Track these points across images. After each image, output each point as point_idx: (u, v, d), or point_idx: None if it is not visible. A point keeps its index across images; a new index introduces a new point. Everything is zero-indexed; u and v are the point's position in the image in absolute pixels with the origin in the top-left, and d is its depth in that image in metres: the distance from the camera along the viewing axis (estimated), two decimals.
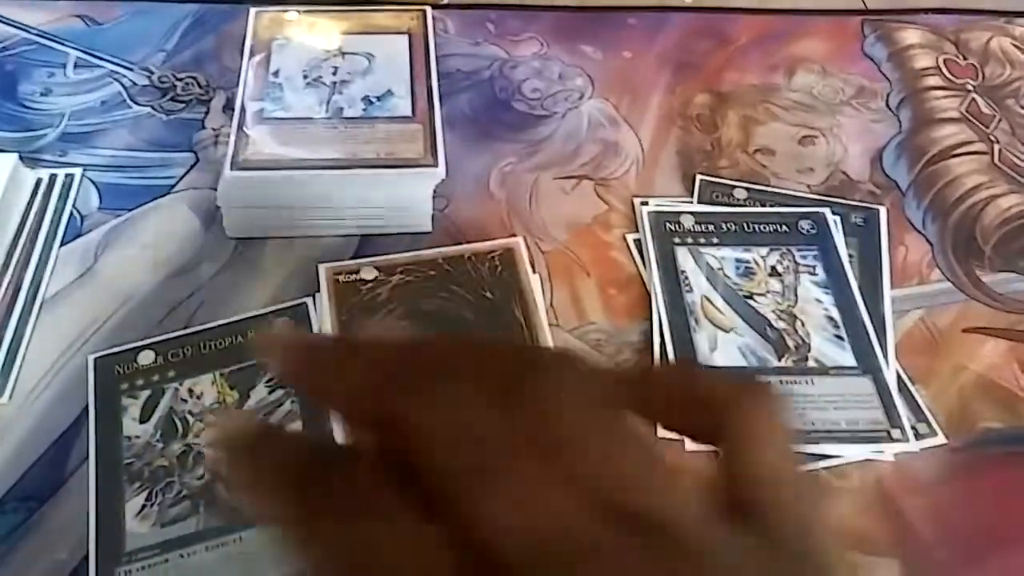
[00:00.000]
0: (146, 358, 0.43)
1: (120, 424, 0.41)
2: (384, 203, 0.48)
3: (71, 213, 0.50)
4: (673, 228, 0.50)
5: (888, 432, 0.42)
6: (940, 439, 0.42)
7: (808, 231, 0.49)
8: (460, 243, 0.49)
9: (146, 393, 0.41)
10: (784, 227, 0.50)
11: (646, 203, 0.52)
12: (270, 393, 0.42)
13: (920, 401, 0.44)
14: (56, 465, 0.40)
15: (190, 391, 0.41)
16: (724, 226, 0.50)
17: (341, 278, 0.44)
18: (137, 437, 0.40)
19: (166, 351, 0.43)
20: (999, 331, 0.47)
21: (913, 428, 0.43)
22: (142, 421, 0.40)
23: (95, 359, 0.43)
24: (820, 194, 0.53)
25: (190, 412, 0.41)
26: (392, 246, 0.48)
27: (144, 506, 0.38)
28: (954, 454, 0.42)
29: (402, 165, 0.47)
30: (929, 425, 0.43)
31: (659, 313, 0.46)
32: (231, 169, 0.46)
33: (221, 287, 0.47)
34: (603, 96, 0.59)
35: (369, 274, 0.44)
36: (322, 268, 0.45)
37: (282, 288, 0.47)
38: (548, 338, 0.43)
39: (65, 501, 0.39)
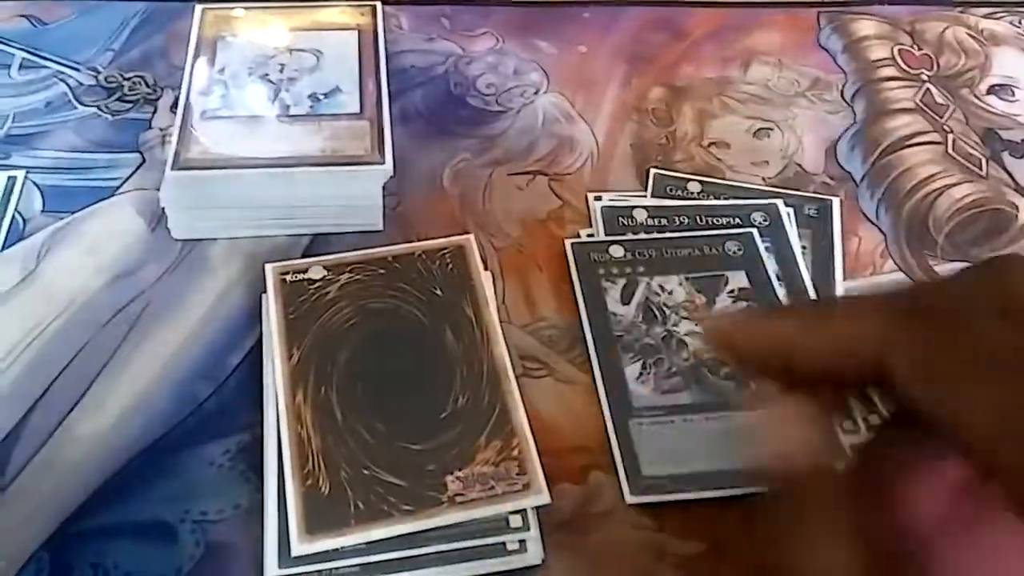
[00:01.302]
0: (616, 251, 0.47)
1: (605, 303, 0.45)
2: (332, 201, 0.47)
3: (13, 217, 0.49)
4: (625, 223, 0.49)
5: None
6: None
7: (761, 223, 0.49)
8: (412, 241, 0.48)
9: (622, 281, 0.46)
10: (737, 219, 0.50)
11: (599, 198, 0.51)
12: (733, 303, 0.45)
13: (873, 392, 0.44)
14: None
15: (661, 287, 0.46)
16: (677, 220, 0.50)
17: (288, 277, 0.44)
18: (623, 316, 0.45)
19: (633, 249, 0.47)
20: None
21: (865, 420, 0.42)
22: (623, 303, 0.45)
23: (572, 244, 0.48)
24: (775, 186, 0.53)
25: (665, 304, 0.45)
26: (343, 245, 0.48)
27: (641, 373, 0.43)
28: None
29: (349, 163, 0.47)
30: (881, 416, 0.43)
31: (585, 311, 0.45)
32: (173, 168, 0.45)
33: (168, 289, 0.46)
34: (558, 91, 0.58)
35: (317, 273, 0.44)
36: (269, 268, 0.44)
37: (231, 289, 0.46)
38: (499, 334, 0.42)
39: (4, 510, 0.38)
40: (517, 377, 0.43)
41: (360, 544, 0.36)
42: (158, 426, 0.41)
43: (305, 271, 0.44)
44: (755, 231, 0.49)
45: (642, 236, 0.48)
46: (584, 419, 0.42)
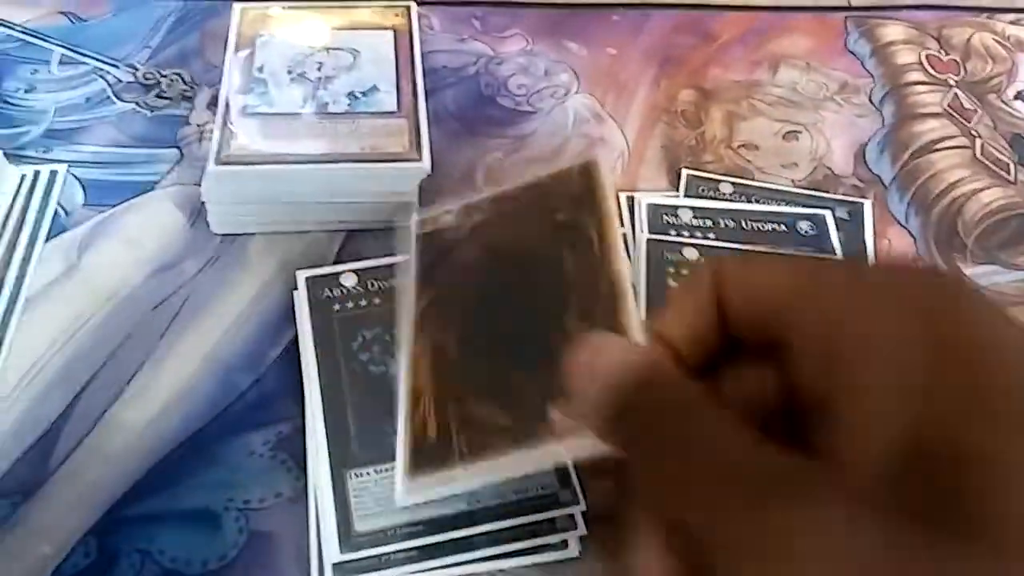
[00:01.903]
0: (691, 253, 0.48)
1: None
2: (370, 198, 0.48)
3: (55, 209, 0.50)
4: (670, 221, 0.50)
5: None
6: None
7: (807, 232, 0.50)
8: None
9: None
10: (783, 227, 0.50)
11: (632, 197, 0.52)
12: None
13: None
14: (40, 461, 0.40)
15: None
16: (722, 222, 0.50)
17: (426, 227, 0.42)
18: None
19: (707, 255, 0.48)
20: None
21: None
22: None
23: (648, 240, 0.48)
24: (804, 188, 0.53)
25: None
26: (378, 242, 0.49)
27: None
28: None
29: (387, 160, 0.47)
30: None
31: (644, 306, 0.46)
32: (215, 164, 0.46)
33: (207, 282, 0.47)
34: (588, 92, 0.59)
35: (451, 217, 0.42)
36: (413, 217, 0.43)
37: (269, 283, 0.47)
38: (620, 252, 0.37)
39: (50, 496, 0.39)
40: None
41: (416, 525, 0.37)
42: (200, 416, 0.42)
43: (441, 216, 0.42)
44: (828, 213, 0.51)
45: (718, 243, 0.49)
46: None
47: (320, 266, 0.46)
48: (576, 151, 0.55)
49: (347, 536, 0.37)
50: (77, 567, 0.37)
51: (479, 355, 0.36)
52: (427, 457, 0.34)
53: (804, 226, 0.50)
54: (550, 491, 0.39)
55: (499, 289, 0.38)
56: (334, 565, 0.36)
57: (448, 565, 0.37)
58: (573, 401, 0.24)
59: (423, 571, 0.37)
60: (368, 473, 0.39)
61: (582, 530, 0.38)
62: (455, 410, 0.35)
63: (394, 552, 0.37)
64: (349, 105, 0.50)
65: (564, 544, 0.38)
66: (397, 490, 0.34)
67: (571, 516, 0.38)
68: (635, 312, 0.35)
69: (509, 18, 0.64)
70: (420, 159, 0.47)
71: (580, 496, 0.38)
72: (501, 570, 0.37)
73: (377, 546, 0.37)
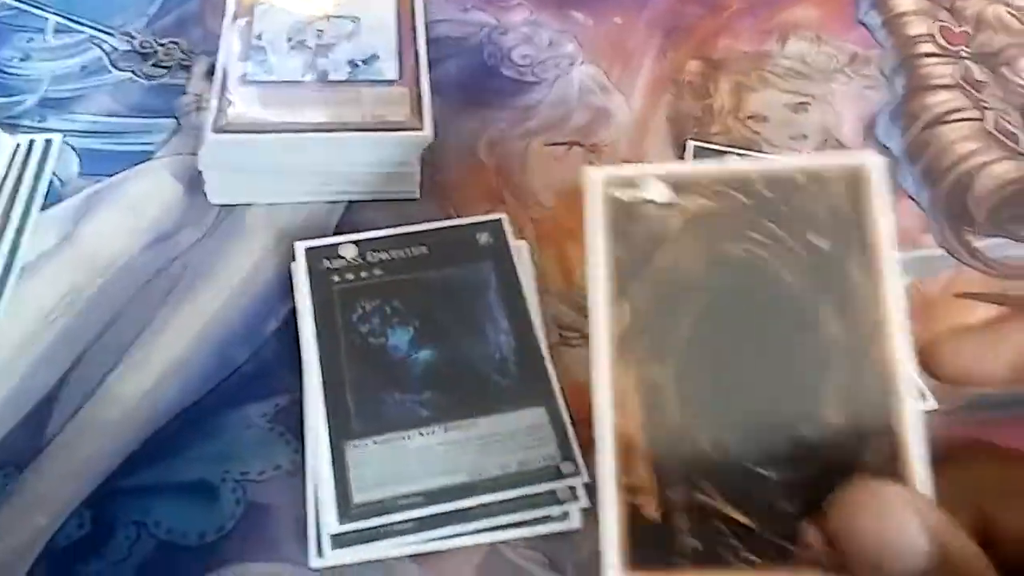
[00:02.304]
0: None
1: None
2: (370, 168, 0.47)
3: (50, 179, 0.49)
4: None
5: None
6: (932, 404, 0.42)
7: None
8: (449, 213, 0.48)
9: None
10: None
11: None
12: None
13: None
14: (35, 432, 0.40)
15: None
16: None
17: (617, 192, 0.29)
18: None
19: None
20: (991, 296, 0.47)
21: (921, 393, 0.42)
22: None
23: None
24: None
25: None
26: (379, 214, 0.48)
27: None
28: (946, 418, 0.42)
29: (388, 128, 0.46)
30: (921, 391, 0.43)
31: None
32: (213, 132, 0.45)
33: (204, 253, 0.47)
34: (593, 62, 0.58)
35: (659, 193, 0.29)
36: (595, 176, 0.29)
37: (267, 255, 0.46)
38: (900, 313, 0.27)
39: (44, 467, 0.39)
40: (551, 346, 0.43)
41: (416, 496, 0.37)
42: (197, 388, 0.41)
43: (638, 185, 0.29)
44: None
45: None
46: None
47: (319, 237, 0.45)
48: (582, 122, 0.54)
49: (346, 507, 0.36)
50: (71, 538, 0.37)
51: (711, 425, 0.27)
52: (648, 548, 0.27)
53: None
54: (552, 462, 0.38)
55: (732, 330, 0.28)
56: (332, 536, 0.36)
57: (447, 536, 0.36)
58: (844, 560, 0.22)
59: (422, 542, 0.36)
60: (367, 444, 0.38)
61: (584, 502, 0.37)
62: (684, 494, 0.27)
63: (393, 523, 0.36)
64: (350, 73, 0.49)
65: (565, 516, 0.37)
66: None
67: (572, 488, 0.37)
68: (910, 413, 0.25)
69: None
70: (422, 128, 0.47)
71: (582, 467, 0.38)
72: (501, 541, 0.37)
73: (376, 516, 0.36)
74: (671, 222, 0.28)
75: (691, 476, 0.27)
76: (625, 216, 0.28)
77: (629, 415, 0.27)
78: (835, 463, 0.25)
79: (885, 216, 0.28)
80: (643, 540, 0.26)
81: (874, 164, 0.28)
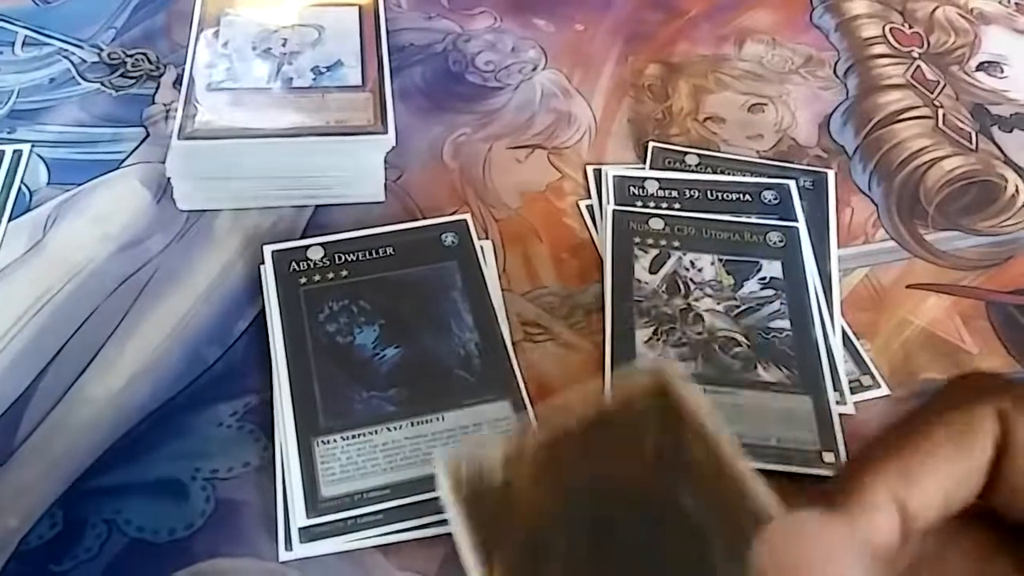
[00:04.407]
0: (656, 223, 0.48)
1: (633, 268, 0.47)
2: (336, 171, 0.48)
3: (19, 189, 0.50)
4: (636, 192, 0.50)
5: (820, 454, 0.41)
6: (884, 391, 0.43)
7: (771, 201, 0.50)
8: (415, 215, 0.49)
9: (655, 252, 0.47)
10: (747, 196, 0.50)
11: (599, 170, 0.52)
12: (762, 289, 0.46)
13: (864, 355, 0.45)
14: (6, 434, 0.40)
15: (692, 263, 0.47)
16: (688, 192, 0.50)
17: (464, 481, 0.29)
18: (647, 284, 0.46)
19: (674, 224, 0.48)
20: (942, 287, 0.48)
21: (857, 381, 0.44)
22: (651, 272, 0.46)
23: (614, 211, 0.49)
24: (769, 159, 0.54)
25: (692, 279, 0.46)
26: (346, 217, 0.49)
27: (651, 338, 0.44)
28: (897, 405, 0.43)
29: (352, 132, 0.47)
30: (873, 378, 0.44)
31: (610, 275, 0.46)
32: (179, 138, 0.46)
33: (174, 258, 0.47)
34: (556, 67, 0.59)
35: (496, 472, 0.29)
36: (439, 464, 0.30)
37: (236, 258, 0.47)
38: (751, 476, 0.27)
39: (16, 469, 0.39)
40: (516, 343, 0.44)
41: (383, 490, 0.37)
42: (167, 388, 0.42)
43: (481, 472, 0.30)
44: (792, 183, 0.51)
45: (684, 213, 0.49)
46: (584, 380, 0.43)
47: (287, 240, 0.46)
48: (544, 125, 0.55)
49: (314, 501, 0.37)
50: (43, 538, 0.37)
51: None
52: None
53: (768, 196, 0.50)
54: None
55: (608, 549, 0.29)
56: (301, 529, 0.37)
57: (414, 527, 0.37)
58: None
59: (389, 533, 0.37)
60: (335, 440, 0.39)
61: None
62: None
63: (360, 515, 0.37)
64: (314, 80, 0.50)
65: None
66: None
67: None
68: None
69: None
70: (386, 132, 0.48)
71: None
72: None
73: (344, 510, 0.37)
74: (518, 487, 0.29)
75: None
76: (476, 499, 0.29)
77: None
78: None
79: (695, 396, 0.29)
80: None
81: (669, 372, 0.30)
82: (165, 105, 0.54)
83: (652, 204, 0.50)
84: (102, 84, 0.56)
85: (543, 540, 0.28)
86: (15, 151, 0.51)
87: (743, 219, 0.49)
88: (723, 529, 0.27)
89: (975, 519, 0.24)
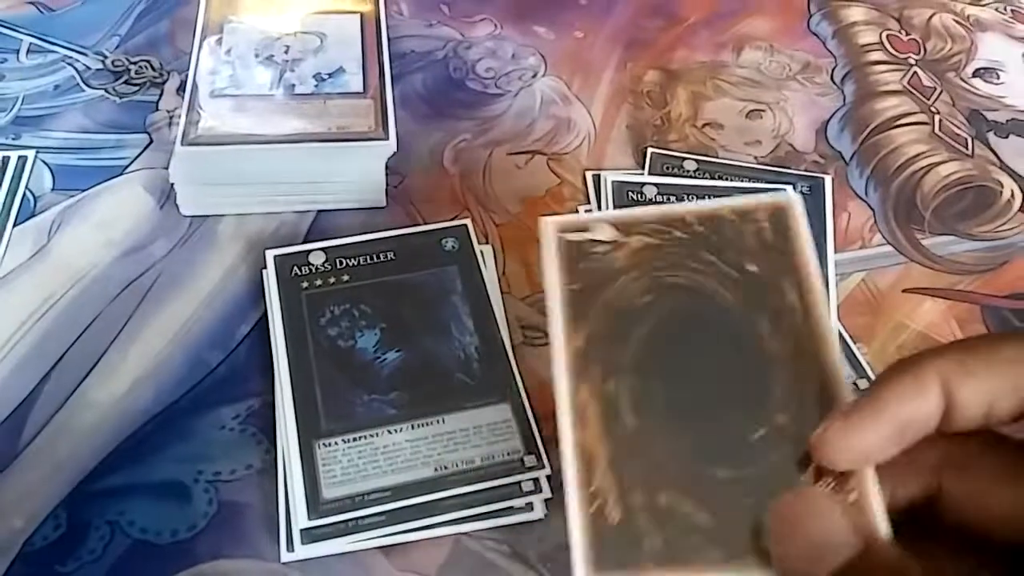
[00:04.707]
0: None
1: None
2: (337, 177, 0.49)
3: (24, 194, 0.50)
4: (635, 198, 0.51)
5: None
6: None
7: None
8: (416, 219, 0.50)
9: None
10: None
11: (598, 176, 0.53)
12: None
13: (861, 358, 0.45)
14: (11, 438, 0.41)
15: None
16: (686, 198, 0.51)
17: (569, 236, 0.32)
18: None
19: None
20: (938, 291, 0.49)
21: (853, 384, 0.44)
22: None
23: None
24: (767, 165, 0.54)
25: None
26: (348, 222, 0.49)
27: None
28: None
29: (353, 139, 0.48)
30: (869, 381, 0.44)
31: None
32: (183, 144, 0.47)
33: (177, 263, 0.48)
34: (555, 74, 0.60)
35: (604, 233, 0.33)
36: (548, 223, 0.33)
37: (238, 263, 0.48)
38: (830, 329, 0.30)
39: (21, 472, 0.40)
40: (515, 346, 0.44)
41: (384, 491, 0.38)
42: (170, 392, 0.43)
43: (588, 228, 0.33)
44: (790, 188, 0.50)
45: None
46: None
47: (289, 245, 0.46)
48: (543, 132, 0.56)
49: (315, 503, 0.37)
50: (47, 539, 0.38)
51: (665, 432, 0.29)
52: (612, 549, 0.28)
53: None
54: (516, 456, 0.39)
55: (679, 347, 0.31)
56: (302, 531, 0.37)
57: (415, 528, 0.38)
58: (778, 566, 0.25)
59: (390, 534, 0.37)
60: (336, 443, 0.39)
61: (547, 493, 0.39)
62: (644, 497, 0.29)
63: (362, 517, 0.37)
64: (316, 87, 0.51)
65: (529, 507, 0.39)
66: None
67: (536, 480, 0.39)
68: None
69: (477, 3, 0.64)
70: (387, 138, 0.48)
71: (545, 460, 0.39)
72: (467, 532, 0.38)
73: (345, 512, 0.37)
74: (617, 258, 0.32)
75: (650, 480, 0.29)
76: (576, 255, 0.32)
77: (589, 428, 0.29)
78: (785, 460, 0.28)
79: (808, 243, 0.31)
80: (608, 543, 0.28)
81: (794, 201, 0.33)
82: (168, 112, 0.55)
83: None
84: (106, 91, 0.56)
85: (628, 319, 0.31)
86: (20, 157, 0.52)
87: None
88: (787, 371, 0.29)
89: (1006, 442, 0.25)
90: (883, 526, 0.25)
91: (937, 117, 0.58)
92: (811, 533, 0.24)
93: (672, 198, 0.51)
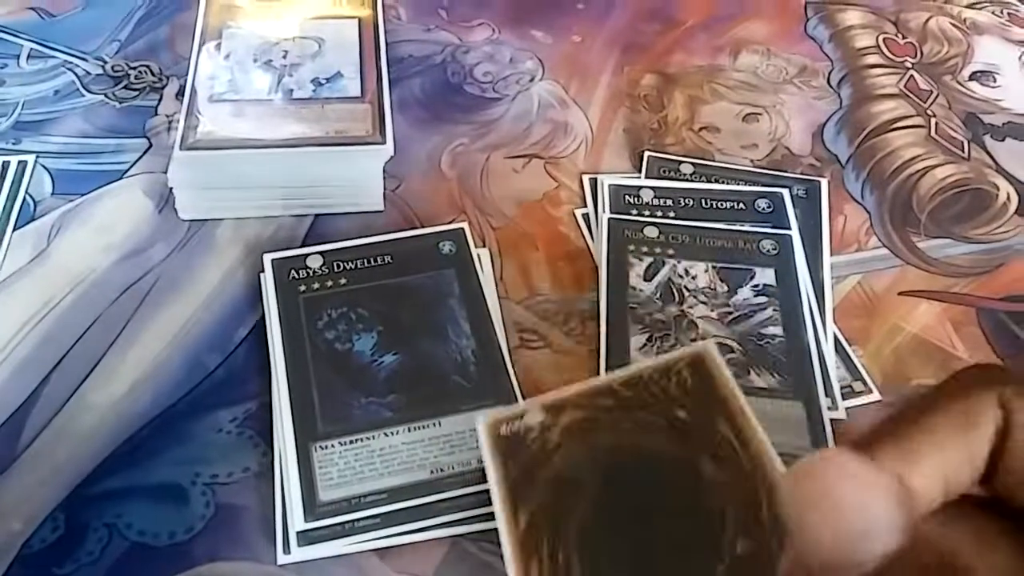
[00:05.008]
0: (651, 231, 0.49)
1: (628, 276, 0.47)
2: (335, 181, 0.49)
3: (24, 199, 0.50)
4: (631, 201, 0.51)
5: None
6: (875, 396, 0.44)
7: (765, 210, 0.51)
8: (413, 223, 0.50)
9: (649, 259, 0.48)
10: (741, 204, 0.51)
11: (595, 179, 0.53)
12: (755, 296, 0.46)
13: (856, 361, 0.45)
14: (10, 441, 0.41)
15: (686, 270, 0.48)
16: (682, 201, 0.51)
17: (503, 430, 0.34)
18: (641, 291, 0.47)
19: (668, 232, 0.49)
20: (933, 293, 0.49)
21: (848, 387, 0.44)
22: (645, 280, 0.47)
23: (609, 220, 0.49)
24: (763, 168, 0.54)
25: (686, 287, 0.47)
26: (346, 226, 0.49)
27: (645, 344, 0.45)
28: (888, 410, 0.44)
29: (351, 143, 0.48)
30: (865, 383, 0.45)
31: (605, 282, 0.47)
32: (181, 149, 0.47)
33: (175, 267, 0.48)
34: (553, 78, 0.60)
35: (534, 418, 0.34)
36: (481, 423, 0.34)
37: (236, 266, 0.48)
38: (773, 456, 0.30)
39: (19, 474, 0.40)
40: (512, 349, 0.44)
41: (380, 494, 0.38)
42: (168, 395, 0.43)
43: (520, 417, 0.34)
44: (785, 191, 0.51)
45: (678, 222, 0.50)
46: None
47: (287, 249, 0.47)
48: (541, 135, 0.56)
49: (312, 505, 0.38)
50: (45, 541, 0.38)
51: None
52: None
53: (762, 204, 0.51)
54: None
55: (626, 505, 0.31)
56: (299, 533, 0.37)
57: (411, 531, 0.38)
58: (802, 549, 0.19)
59: (386, 537, 0.37)
60: (333, 445, 0.40)
61: None
62: None
63: (358, 519, 0.38)
64: (314, 91, 0.51)
65: None
66: None
67: None
68: None
69: (475, 8, 0.65)
70: (384, 142, 0.48)
71: None
72: (463, 535, 0.38)
73: (341, 514, 0.38)
74: (550, 439, 0.33)
75: None
76: (512, 446, 0.33)
77: None
78: None
79: (729, 379, 0.33)
80: None
81: (709, 348, 0.34)
82: (168, 116, 0.55)
83: (647, 213, 0.50)
84: (106, 96, 0.57)
85: (568, 491, 0.32)
86: (20, 162, 0.52)
87: (737, 227, 0.50)
88: (737, 499, 0.30)
89: (976, 505, 0.24)
90: None
91: (933, 120, 0.58)
92: (846, 512, 0.19)
93: (669, 200, 0.51)
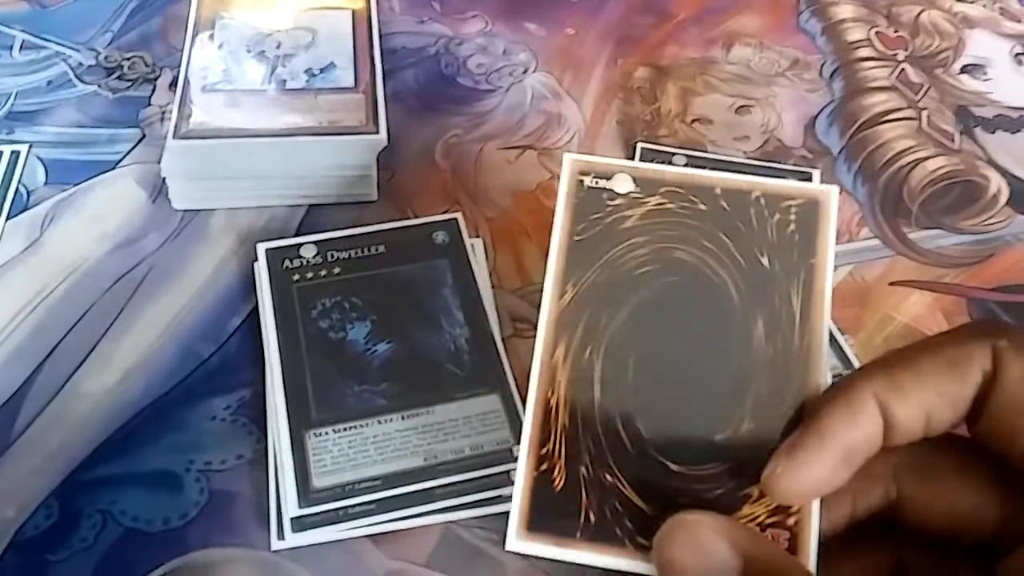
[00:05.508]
0: None
1: None
2: (328, 171, 0.49)
3: (17, 189, 0.50)
4: None
5: None
6: None
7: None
8: (407, 214, 0.50)
9: None
10: None
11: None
12: None
13: (848, 350, 0.46)
14: (3, 428, 0.41)
15: None
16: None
17: (588, 180, 0.31)
18: None
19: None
20: (924, 283, 0.49)
21: (840, 375, 0.44)
22: None
23: None
24: (755, 159, 0.55)
25: None
26: (339, 216, 0.50)
27: None
28: None
29: (344, 132, 0.48)
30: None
31: None
32: (175, 138, 0.47)
33: (169, 256, 0.48)
34: (546, 70, 0.60)
35: (623, 185, 0.31)
36: (570, 161, 0.31)
37: (229, 256, 0.48)
38: (824, 349, 0.28)
39: (13, 461, 0.40)
40: (505, 338, 0.44)
41: (374, 480, 0.38)
42: (162, 383, 0.43)
43: (609, 177, 0.31)
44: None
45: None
46: None
47: (280, 238, 0.47)
48: (534, 127, 0.56)
49: (306, 491, 0.38)
50: (39, 528, 0.38)
51: (626, 413, 0.29)
52: (548, 514, 0.28)
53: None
54: (505, 446, 0.40)
55: (666, 328, 0.29)
56: (293, 519, 0.37)
57: (404, 517, 0.38)
58: None
59: (380, 523, 0.38)
60: (326, 433, 0.40)
61: None
62: (590, 472, 0.28)
63: (351, 505, 0.38)
64: (307, 82, 0.51)
65: None
66: (510, 535, 0.28)
67: None
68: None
69: (469, 0, 0.65)
70: (377, 131, 0.48)
71: None
72: (456, 521, 0.38)
73: (335, 500, 0.38)
74: (629, 216, 0.30)
75: (601, 455, 0.28)
76: (590, 204, 0.30)
77: (556, 390, 0.29)
78: (739, 467, 0.27)
79: (829, 248, 0.29)
80: (545, 508, 0.27)
81: (829, 195, 0.30)
82: (161, 107, 0.55)
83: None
84: (99, 86, 0.57)
85: (620, 289, 0.30)
86: (13, 152, 0.52)
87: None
88: (770, 375, 0.28)
89: (957, 441, 0.25)
90: (812, 557, 0.25)
91: (925, 113, 0.59)
92: (693, 555, 0.24)
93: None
